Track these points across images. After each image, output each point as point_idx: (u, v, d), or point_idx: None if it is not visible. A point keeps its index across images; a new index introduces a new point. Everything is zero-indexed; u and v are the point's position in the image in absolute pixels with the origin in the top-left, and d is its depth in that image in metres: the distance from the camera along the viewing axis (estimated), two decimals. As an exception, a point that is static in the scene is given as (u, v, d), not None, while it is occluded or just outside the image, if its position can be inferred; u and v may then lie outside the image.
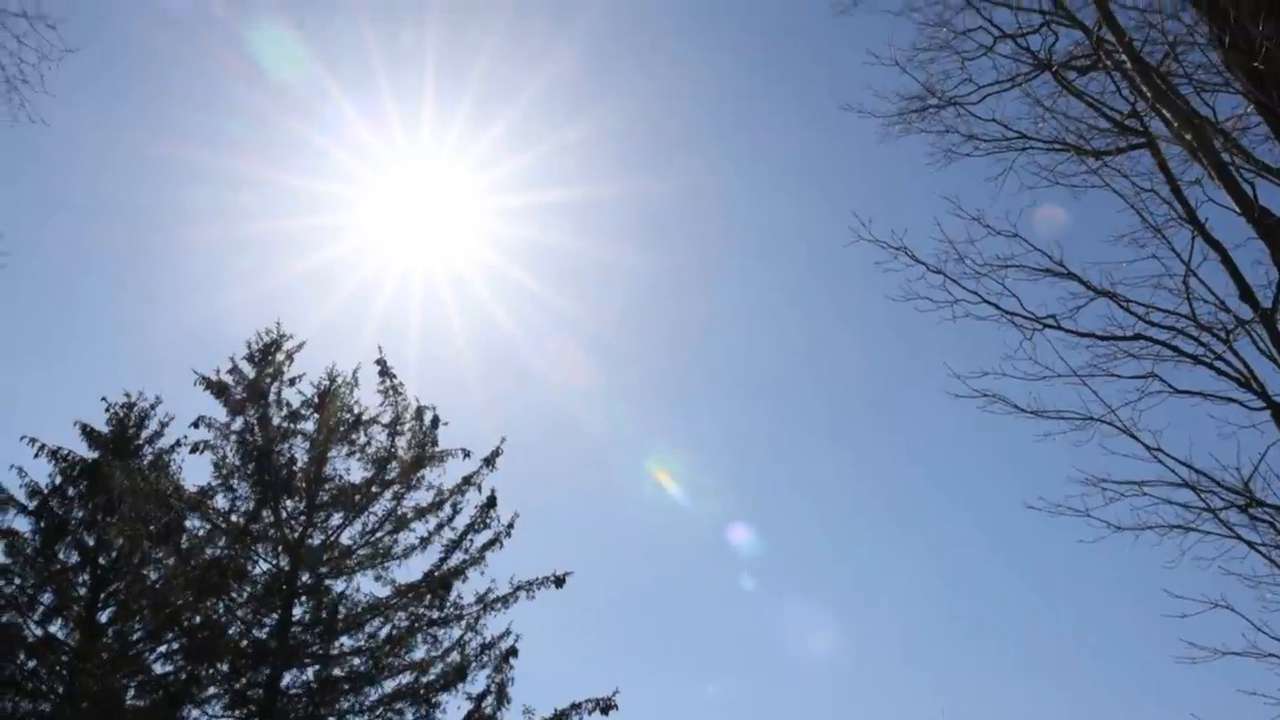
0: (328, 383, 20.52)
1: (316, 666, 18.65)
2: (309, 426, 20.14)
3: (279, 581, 18.76)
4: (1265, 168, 9.04)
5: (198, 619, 18.83)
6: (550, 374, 38.44)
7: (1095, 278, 9.91)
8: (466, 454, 20.08)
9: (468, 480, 19.81)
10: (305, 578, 18.95)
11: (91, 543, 21.51)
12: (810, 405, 49.58)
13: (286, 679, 18.23)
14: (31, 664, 20.33)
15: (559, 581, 18.95)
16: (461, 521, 19.59)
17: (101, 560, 21.36)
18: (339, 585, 19.23)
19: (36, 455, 21.63)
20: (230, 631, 18.65)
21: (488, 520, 19.52)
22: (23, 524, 21.33)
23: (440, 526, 19.51)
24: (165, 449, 22.78)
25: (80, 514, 21.75)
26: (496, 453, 20.02)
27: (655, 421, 44.51)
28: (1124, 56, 9.45)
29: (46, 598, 20.97)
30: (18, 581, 20.82)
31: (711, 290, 46.43)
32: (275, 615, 18.57)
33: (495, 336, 38.21)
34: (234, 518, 19.33)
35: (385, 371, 20.51)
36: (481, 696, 18.21)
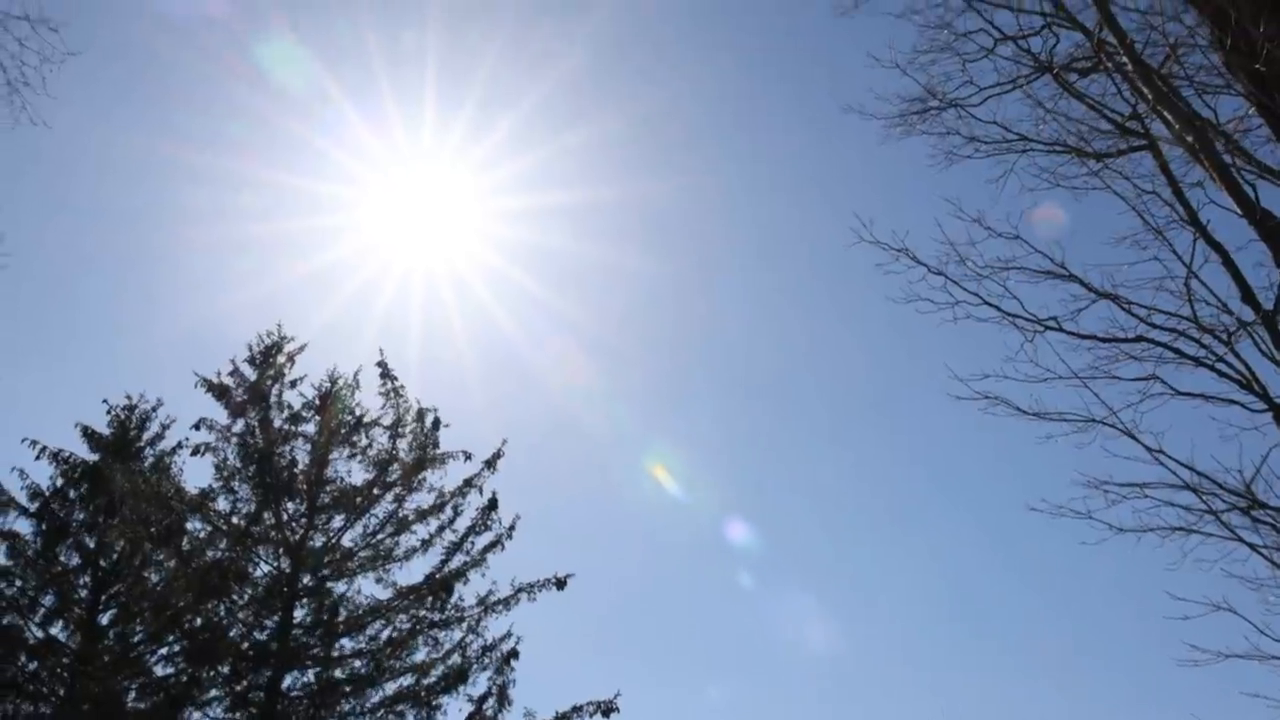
0: (329, 385, 20.53)
1: (317, 669, 18.64)
2: (310, 429, 20.14)
3: (280, 584, 18.75)
4: (1267, 169, 9.04)
5: (199, 621, 18.83)
6: (551, 376, 38.47)
7: (1097, 280, 9.93)
8: (468, 456, 20.09)
9: (469, 482, 19.81)
10: (306, 580, 18.94)
11: (92, 545, 21.52)
12: (811, 406, 49.60)
13: (287, 681, 18.22)
14: (32, 666, 20.35)
15: (560, 584, 18.95)
16: (463, 524, 19.60)
17: (102, 562, 21.37)
18: (340, 587, 19.23)
19: (38, 457, 21.67)
20: (231, 634, 18.64)
21: (489, 522, 19.52)
22: (24, 526, 21.37)
23: (441, 529, 19.51)
24: (166, 451, 22.81)
25: (81, 516, 21.76)
26: (498, 455, 20.03)
27: (656, 423, 44.54)
28: (1125, 58, 9.45)
29: (48, 600, 20.97)
30: (19, 583, 20.82)
31: (713, 292, 46.47)
32: (276, 617, 18.56)
33: (496, 338, 38.26)
34: (235, 520, 19.32)
35: (386, 374, 20.52)
36: (483, 699, 18.19)
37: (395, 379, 20.52)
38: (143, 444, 22.93)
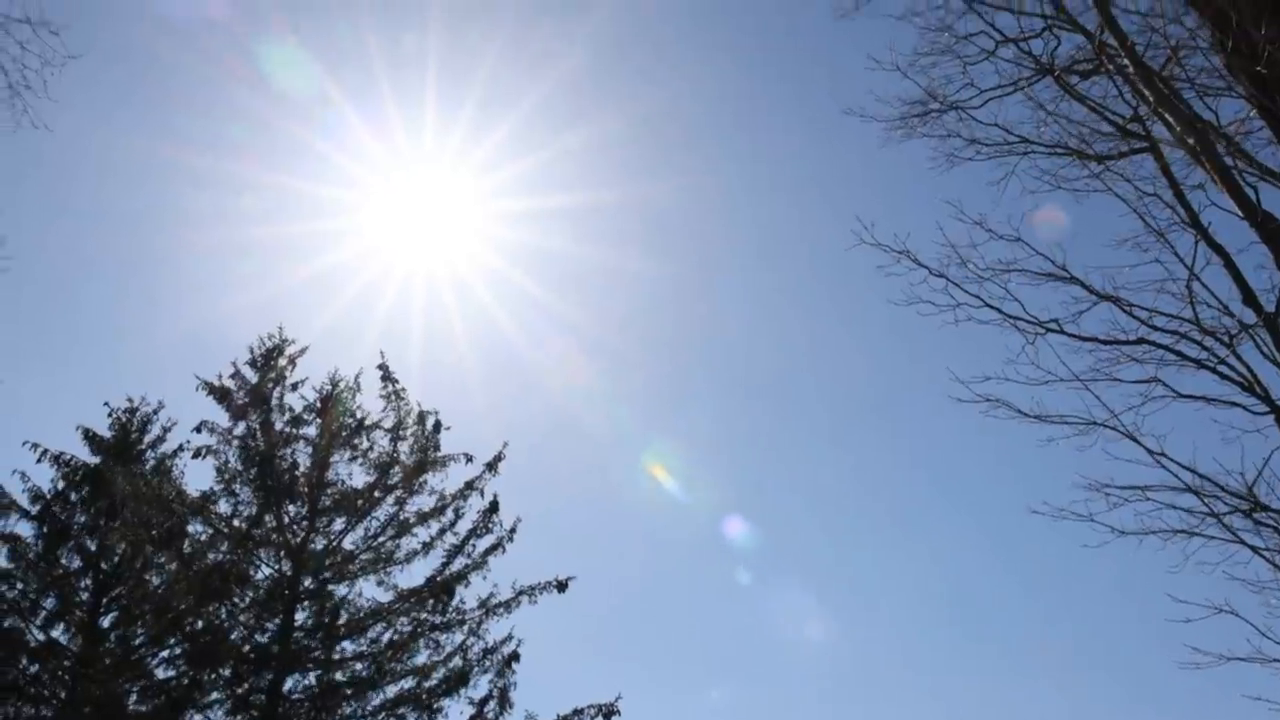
0: (330, 388, 20.54)
1: (319, 671, 18.64)
2: (311, 431, 20.15)
3: (281, 586, 18.75)
4: (1268, 171, 9.03)
5: (200, 624, 18.83)
6: (552, 377, 38.47)
7: (1098, 282, 9.92)
8: (469, 459, 20.10)
9: (470, 485, 19.81)
10: (307, 583, 18.94)
11: (94, 547, 21.52)
12: (812, 408, 49.58)
13: (289, 684, 18.21)
14: (34, 669, 20.34)
15: (561, 586, 18.96)
16: (464, 526, 19.60)
17: (104, 565, 21.37)
18: (341, 590, 19.24)
19: (39, 460, 21.70)
20: (232, 636, 18.64)
21: (490, 525, 19.52)
22: (25, 529, 21.39)
23: (442, 531, 19.52)
24: (168, 454, 22.85)
25: (83, 519, 21.77)
26: (499, 457, 20.03)
27: (657, 425, 44.49)
28: (1126, 60, 9.44)
29: (49, 602, 20.98)
30: (20, 586, 20.83)
31: (713, 294, 46.46)
32: (277, 620, 18.56)
33: (497, 341, 38.22)
34: (236, 523, 19.33)
35: (387, 376, 20.53)
36: (484, 702, 18.20)
37: (396, 382, 20.55)
38: (144, 447, 22.94)
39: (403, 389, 20.52)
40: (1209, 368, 9.39)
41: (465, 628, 18.84)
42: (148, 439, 23.09)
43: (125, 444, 22.69)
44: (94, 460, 22.23)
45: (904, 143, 11.41)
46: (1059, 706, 39.05)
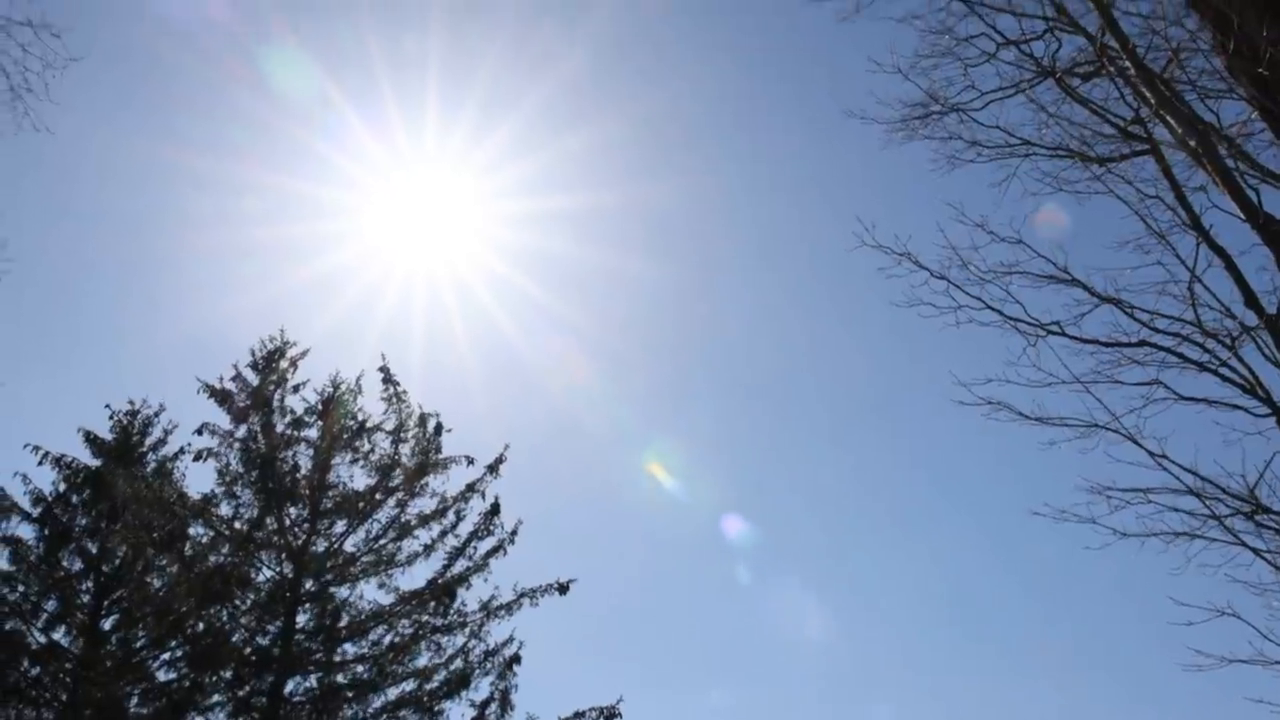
0: (331, 390, 20.54)
1: (320, 674, 18.64)
2: (313, 434, 20.15)
3: (282, 589, 18.75)
4: (1270, 173, 9.02)
5: (201, 626, 18.83)
6: (553, 379, 38.48)
7: (1099, 284, 9.90)
8: (470, 461, 20.11)
9: (471, 487, 19.82)
10: (309, 585, 18.94)
11: (95, 550, 21.52)
12: (814, 410, 49.60)
13: (290, 686, 18.22)
14: (35, 671, 20.34)
15: (563, 588, 18.96)
16: (465, 528, 19.62)
17: (105, 567, 21.37)
18: (342, 592, 19.25)
19: (40, 462, 21.70)
20: (234, 639, 18.64)
21: (491, 527, 19.53)
22: (26, 531, 21.39)
23: (444, 534, 19.52)
24: (169, 456, 22.84)
25: (84, 521, 21.77)
26: (500, 460, 20.04)
27: (658, 427, 44.51)
28: (1127, 63, 9.43)
29: (50, 605, 20.98)
30: (21, 588, 20.83)
31: (715, 296, 46.48)
32: (279, 622, 18.56)
33: (498, 342, 38.27)
34: (237, 525, 19.34)
35: (389, 378, 20.53)
36: (485, 704, 18.20)
37: (397, 384, 20.56)
38: (145, 449, 22.94)
39: (404, 391, 20.56)
40: (1210, 370, 9.37)
41: (466, 630, 18.86)
42: (149, 441, 23.10)
43: (126, 446, 22.69)
44: (95, 463, 22.23)
45: (905, 145, 11.40)
46: (1060, 708, 39.05)
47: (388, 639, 18.87)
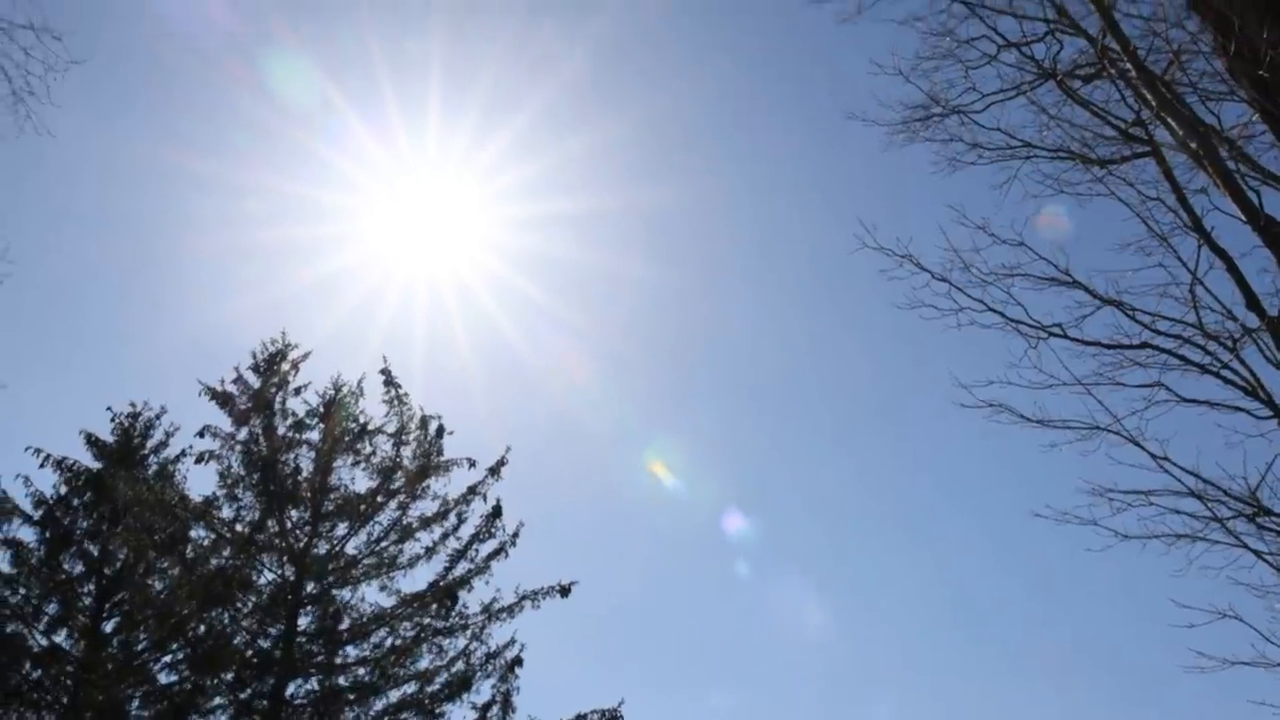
0: (333, 392, 20.55)
1: (321, 677, 18.65)
2: (314, 436, 20.17)
3: (284, 591, 18.75)
4: (1271, 176, 9.02)
5: (202, 629, 18.83)
6: (555, 382, 38.48)
7: (1101, 286, 9.89)
8: (472, 463, 20.13)
9: (473, 490, 19.83)
10: (310, 588, 18.94)
11: (96, 553, 21.51)
12: (815, 412, 49.60)
13: (291, 689, 18.22)
14: (36, 674, 20.33)
15: (564, 591, 18.95)
16: (467, 531, 19.63)
17: (106, 570, 21.36)
18: (344, 595, 19.25)
19: (42, 465, 21.69)
20: (235, 641, 18.65)
21: (493, 530, 19.53)
22: (28, 534, 21.38)
23: (445, 536, 19.53)
24: (170, 459, 22.83)
25: (85, 524, 21.76)
26: (502, 462, 20.04)
27: (660, 430, 44.46)
28: (1128, 65, 9.43)
29: (51, 608, 20.97)
30: (23, 591, 20.83)
31: (716, 298, 46.49)
32: (280, 625, 18.56)
33: (500, 345, 38.23)
34: (239, 527, 19.34)
35: (390, 381, 20.54)
36: (487, 707, 18.20)
37: (399, 386, 20.57)
38: (147, 451, 22.94)
39: (405, 394, 20.57)
40: (1212, 372, 9.36)
41: (468, 632, 18.85)
42: (150, 444, 23.10)
43: (128, 449, 22.69)
44: (96, 465, 22.23)
45: (906, 147, 11.39)
46: (1061, 709, 39.02)
47: (389, 641, 18.88)
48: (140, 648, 20.89)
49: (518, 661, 18.67)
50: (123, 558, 21.23)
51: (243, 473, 19.64)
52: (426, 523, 19.56)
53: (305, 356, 21.04)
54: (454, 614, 18.95)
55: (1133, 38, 9.58)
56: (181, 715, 18.36)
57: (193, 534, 19.66)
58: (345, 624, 18.93)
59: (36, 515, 21.50)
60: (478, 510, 19.76)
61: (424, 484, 19.80)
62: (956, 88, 11.04)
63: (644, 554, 45.36)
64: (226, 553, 19.17)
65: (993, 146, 11.01)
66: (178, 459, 22.64)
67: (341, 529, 19.47)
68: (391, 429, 20.30)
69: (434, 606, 18.96)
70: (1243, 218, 8.60)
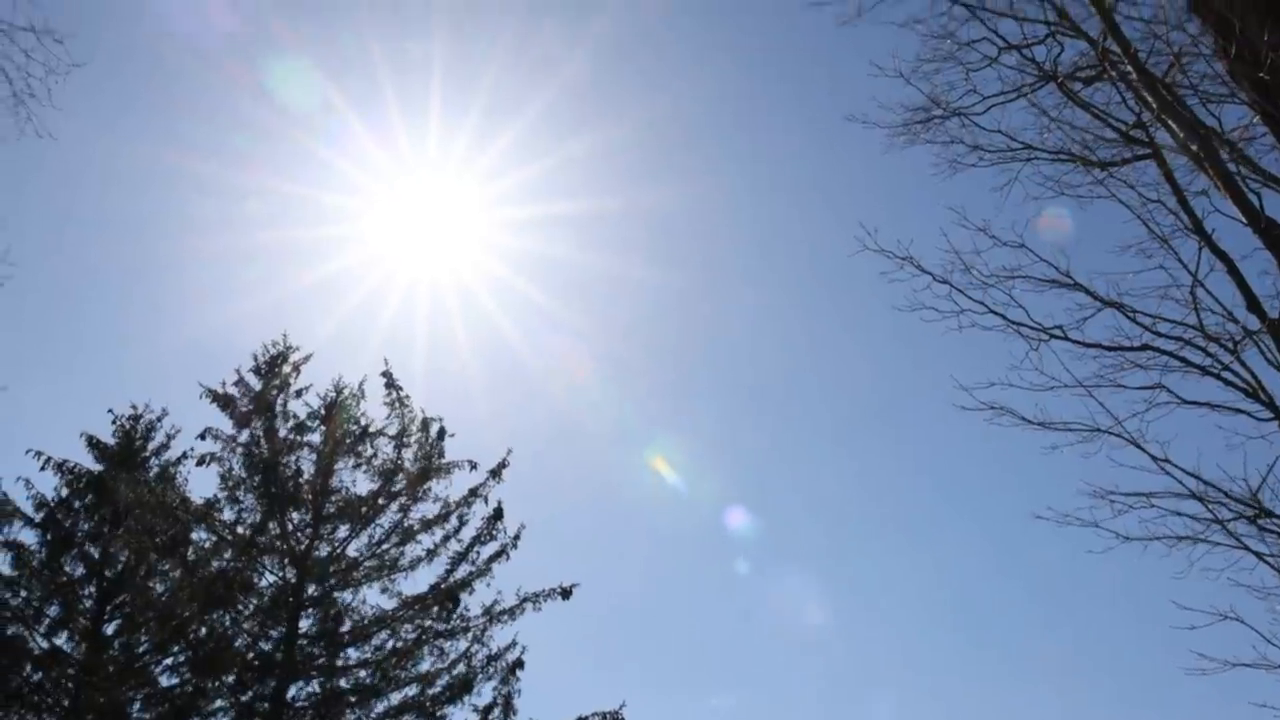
0: (334, 395, 20.55)
1: (322, 679, 18.64)
2: (315, 438, 20.17)
3: (285, 594, 18.75)
4: (1272, 178, 9.02)
5: (204, 631, 18.85)
6: (556, 384, 38.49)
7: (1102, 288, 9.89)
8: (473, 466, 20.13)
9: (474, 492, 19.82)
10: (312, 590, 18.94)
11: (97, 555, 21.51)
12: (816, 414, 49.59)
13: (292, 691, 18.22)
14: (37, 677, 20.32)
15: (565, 593, 18.95)
16: (468, 533, 19.63)
17: (107, 573, 21.36)
18: (345, 597, 19.25)
19: (43, 468, 21.69)
20: (236, 644, 18.65)
21: (494, 532, 19.54)
22: (29, 536, 21.38)
23: (447, 538, 19.53)
24: (171, 461, 22.84)
25: (86, 526, 21.76)
26: (503, 464, 20.04)
27: (661, 432, 44.44)
28: (1129, 67, 9.43)
29: (52, 610, 20.97)
30: (24, 594, 20.82)
31: (717, 300, 46.48)
32: (282, 628, 18.56)
33: (501, 347, 38.24)
34: (240, 530, 19.34)
35: (391, 383, 20.54)
36: (488, 709, 18.20)
37: (400, 389, 20.57)
38: (148, 454, 22.94)
39: (407, 396, 20.57)
40: (1213, 374, 9.36)
41: (469, 635, 18.85)
42: (151, 446, 23.09)
43: (129, 451, 22.69)
44: (98, 467, 22.23)
45: (907, 149, 11.38)
46: (1062, 711, 39.03)
47: (390, 644, 18.88)
48: (141, 650, 20.89)
49: (519, 664, 18.68)
50: (124, 560, 21.23)
51: (244, 475, 19.65)
52: (428, 525, 19.57)
53: (306, 359, 21.08)
54: (455, 616, 18.96)
55: (1133, 40, 9.58)
56: (183, 718, 18.37)
57: (194, 536, 19.67)
58: (347, 626, 18.93)
59: (38, 517, 21.50)
60: (479, 512, 19.80)
61: (425, 486, 19.81)
62: (957, 90, 11.04)
63: (645, 556, 45.40)
64: (228, 555, 19.17)
65: (993, 149, 11.02)
66: (179, 461, 22.68)
67: (343, 531, 19.48)
68: (393, 431, 20.32)
69: (435, 609, 18.96)
70: (1243, 220, 8.60)
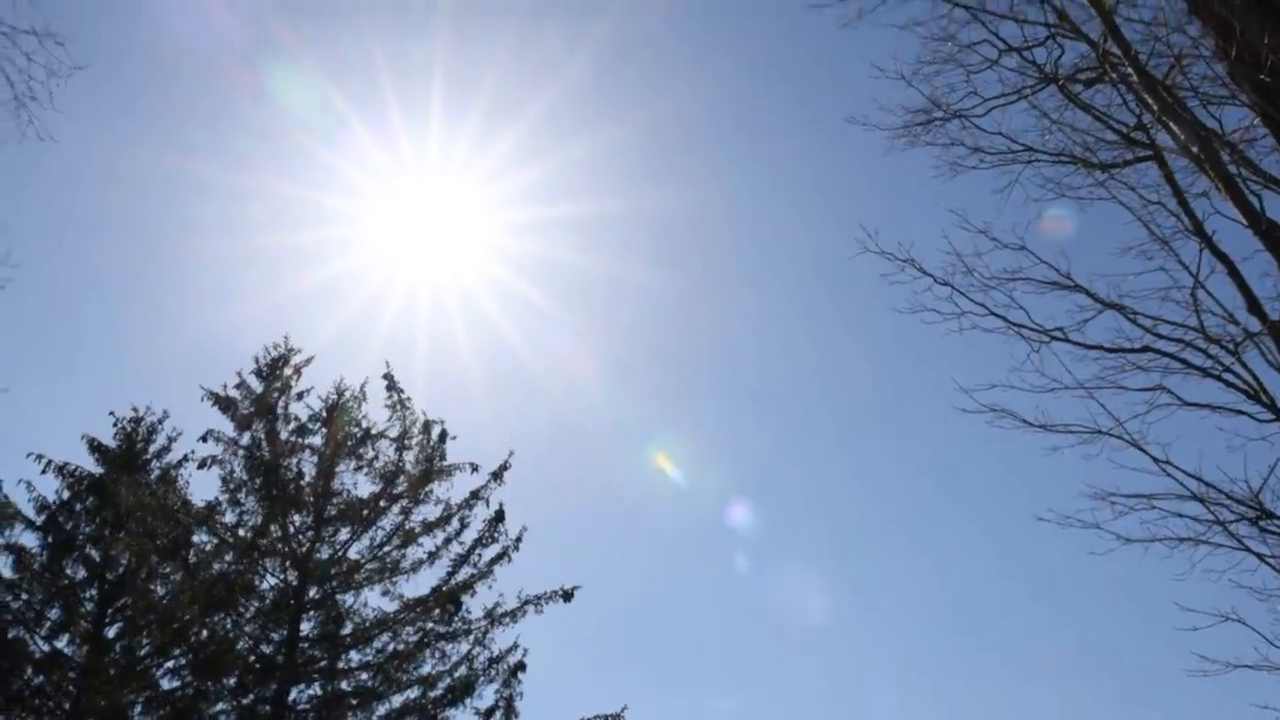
0: (335, 397, 20.55)
1: (324, 681, 18.62)
2: (317, 441, 20.16)
3: (287, 596, 18.75)
4: (1272, 180, 9.02)
5: (205, 634, 18.83)
6: (557, 386, 38.49)
7: (1103, 290, 9.92)
8: (474, 468, 20.10)
9: (476, 494, 19.80)
10: (313, 592, 18.93)
11: (99, 558, 21.50)
12: (818, 416, 49.59)
13: (294, 694, 18.20)
14: (38, 680, 20.31)
15: (567, 596, 18.93)
16: (469, 536, 19.60)
17: (109, 575, 21.36)
18: (347, 600, 19.23)
19: (44, 471, 21.68)
20: (238, 646, 18.64)
21: (496, 534, 19.52)
22: (30, 539, 21.38)
23: (448, 541, 19.51)
24: (173, 464, 22.82)
25: (88, 529, 21.76)
26: (504, 466, 20.02)
27: (662, 435, 44.45)
28: (1130, 69, 9.44)
29: (53, 613, 20.97)
30: (25, 597, 20.82)
31: (718, 302, 46.50)
32: (283, 630, 18.54)
33: (502, 350, 38.27)
34: (241, 532, 19.32)
35: (393, 386, 20.52)
36: (489, 712, 18.17)
37: (402, 391, 20.55)
38: (149, 456, 22.93)
39: (408, 398, 20.55)
40: (1214, 376, 9.37)
41: (471, 637, 18.83)
42: (153, 449, 23.09)
43: (130, 454, 22.69)
44: (99, 470, 22.22)
45: (908, 151, 11.40)
46: (1064, 713, 39.00)
47: (392, 646, 18.86)
48: (142, 653, 20.87)
49: (521, 666, 18.66)
50: (125, 563, 21.23)
51: (245, 477, 19.64)
52: (429, 527, 19.55)
53: (308, 361, 21.06)
54: (457, 619, 18.94)
55: (1134, 42, 9.59)
56: (184, 720, 18.36)
57: (195, 539, 19.66)
58: (348, 629, 18.92)
59: (39, 520, 21.50)
60: (480, 515, 19.77)
61: (427, 489, 19.80)
62: (958, 92, 11.06)
63: (646, 558, 45.38)
64: (229, 558, 19.16)
65: (994, 151, 11.04)
66: (180, 464, 22.68)
67: (344, 534, 19.46)
68: (394, 434, 20.31)
69: (437, 611, 18.95)
70: (1244, 222, 8.61)
